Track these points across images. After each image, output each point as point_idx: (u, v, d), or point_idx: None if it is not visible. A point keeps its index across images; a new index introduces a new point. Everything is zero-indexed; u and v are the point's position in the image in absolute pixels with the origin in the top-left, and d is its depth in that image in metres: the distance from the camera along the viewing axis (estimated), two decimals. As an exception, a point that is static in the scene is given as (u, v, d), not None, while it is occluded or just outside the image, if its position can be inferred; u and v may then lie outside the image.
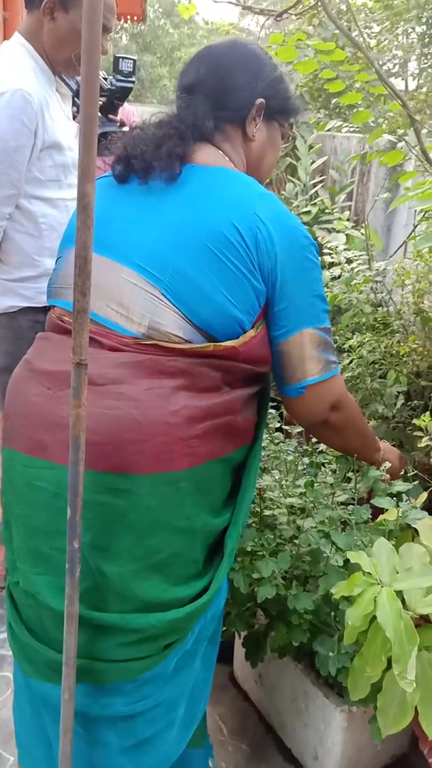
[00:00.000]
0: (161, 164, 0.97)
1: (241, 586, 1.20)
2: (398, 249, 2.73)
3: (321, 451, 1.70)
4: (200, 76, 1.06)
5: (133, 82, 1.94)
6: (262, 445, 1.61)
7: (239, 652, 1.68)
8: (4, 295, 1.76)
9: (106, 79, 1.93)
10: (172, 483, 0.92)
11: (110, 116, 1.95)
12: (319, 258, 1.03)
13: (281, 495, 1.41)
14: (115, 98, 1.93)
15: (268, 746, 1.60)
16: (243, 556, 1.27)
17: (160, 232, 0.94)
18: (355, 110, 1.78)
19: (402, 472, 1.39)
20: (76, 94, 1.91)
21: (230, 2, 1.76)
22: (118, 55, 1.94)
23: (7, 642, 1.86)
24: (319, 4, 1.44)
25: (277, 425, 1.68)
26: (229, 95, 1.05)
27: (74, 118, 1.79)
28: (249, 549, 1.27)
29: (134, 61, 1.96)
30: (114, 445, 0.89)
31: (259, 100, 1.07)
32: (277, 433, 1.64)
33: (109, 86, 1.92)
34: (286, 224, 0.98)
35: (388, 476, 1.33)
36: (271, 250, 0.95)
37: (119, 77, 1.93)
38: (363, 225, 2.64)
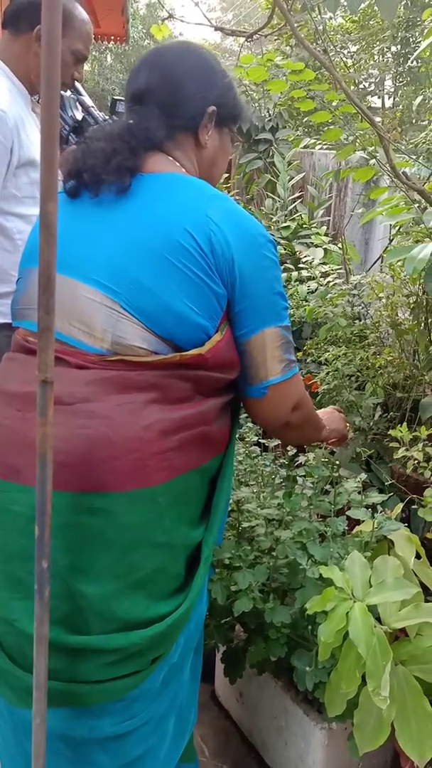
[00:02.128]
0: (111, 178, 0.96)
1: (219, 596, 1.19)
2: (375, 263, 2.76)
3: (299, 465, 1.70)
4: (151, 83, 1.04)
5: None
6: (239, 459, 1.61)
7: (220, 670, 1.66)
8: None
9: (105, 120, 1.96)
10: (150, 498, 0.91)
11: None
12: (278, 255, 1.03)
13: (259, 507, 1.40)
14: None
15: (249, 765, 1.57)
16: (221, 568, 1.26)
17: (115, 246, 0.94)
18: (326, 128, 1.80)
19: (349, 433, 1.40)
20: (74, 125, 1.94)
21: (202, 24, 1.79)
22: (115, 97, 1.97)
23: None
24: (292, 27, 1.46)
25: (255, 439, 1.67)
26: (182, 104, 1.05)
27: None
28: (227, 561, 1.26)
29: None
30: (88, 465, 0.88)
31: (212, 108, 1.06)
32: (254, 447, 1.63)
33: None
34: (239, 224, 0.97)
35: (339, 441, 1.37)
36: (227, 251, 0.94)
37: (115, 118, 1.97)
38: (340, 239, 2.68)
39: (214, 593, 1.21)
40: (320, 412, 1.33)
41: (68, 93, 2.26)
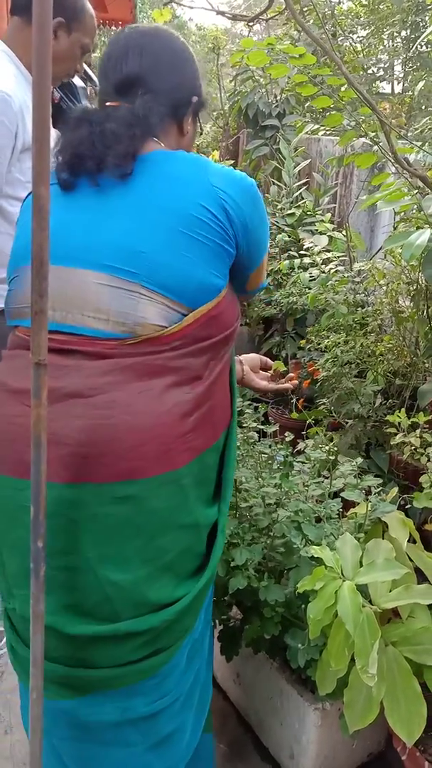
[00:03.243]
0: (114, 163, 0.96)
1: (219, 570, 1.22)
2: (378, 250, 2.75)
3: (299, 452, 1.71)
4: (145, 69, 1.04)
5: None
6: (237, 444, 1.62)
7: (218, 652, 1.69)
8: None
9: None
10: (175, 481, 0.93)
11: None
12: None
13: (257, 486, 1.42)
14: None
15: (245, 745, 1.60)
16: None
17: (124, 229, 0.94)
18: (328, 113, 1.79)
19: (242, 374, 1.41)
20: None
21: (203, 8, 1.78)
22: None
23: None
24: (291, 9, 1.45)
25: (254, 425, 1.69)
26: (173, 93, 1.06)
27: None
28: (227, 535, 1.29)
29: None
30: (114, 455, 0.88)
31: (195, 98, 1.09)
32: (251, 433, 1.64)
33: None
34: (236, 181, 1.01)
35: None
36: (240, 213, 0.98)
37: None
38: (345, 226, 2.66)
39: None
40: (243, 357, 1.40)
41: (81, 83, 2.26)
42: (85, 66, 1.89)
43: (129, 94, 1.03)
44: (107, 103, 1.04)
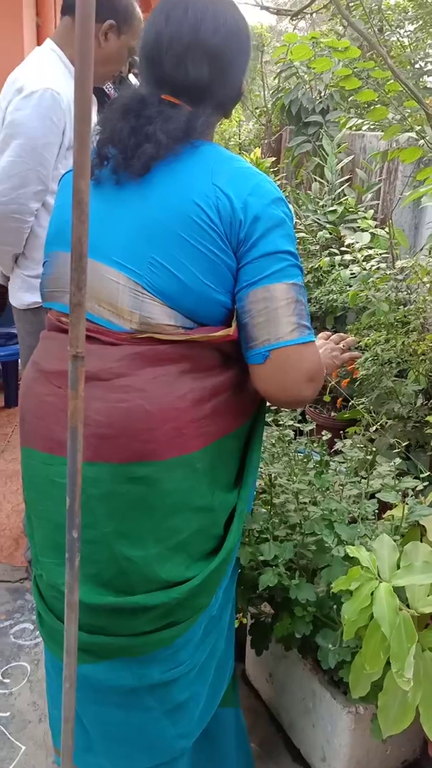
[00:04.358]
0: (143, 164, 0.93)
1: (243, 559, 1.22)
2: (423, 247, 2.68)
3: (336, 451, 1.68)
4: (214, 77, 0.95)
5: None
6: (271, 442, 1.61)
7: (251, 650, 1.68)
8: (28, 291, 1.81)
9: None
10: (188, 465, 0.95)
11: None
12: (290, 213, 0.96)
13: (290, 481, 1.41)
14: None
15: (277, 745, 1.59)
16: (250, 536, 1.29)
17: (132, 226, 0.93)
18: (372, 107, 1.76)
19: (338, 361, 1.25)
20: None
21: (247, 3, 1.77)
22: None
23: (24, 632, 1.90)
24: (337, 3, 1.43)
25: (290, 423, 1.67)
26: (233, 94, 1.02)
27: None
28: (256, 533, 1.28)
29: None
30: (129, 437, 0.92)
31: (244, 84, 1.03)
32: (287, 431, 1.63)
33: None
34: (245, 183, 0.92)
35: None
36: (234, 215, 0.90)
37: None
38: (388, 223, 2.61)
39: (241, 556, 1.23)
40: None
41: (135, 80, 2.29)
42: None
43: (191, 96, 0.97)
44: (163, 96, 0.97)
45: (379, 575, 1.01)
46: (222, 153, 0.97)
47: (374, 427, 1.67)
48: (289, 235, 0.94)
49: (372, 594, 0.96)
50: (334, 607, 1.21)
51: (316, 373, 0.96)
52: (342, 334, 1.32)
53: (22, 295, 1.82)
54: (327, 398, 1.95)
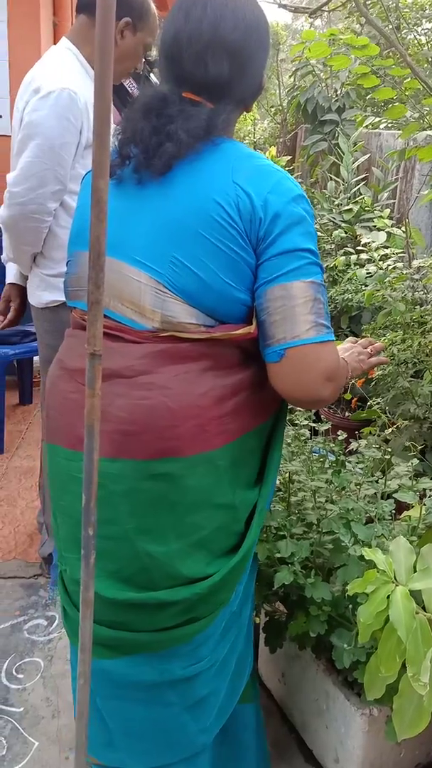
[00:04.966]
0: (165, 163, 0.93)
1: (260, 555, 1.22)
2: (440, 247, 2.66)
3: (351, 451, 1.68)
4: (234, 74, 0.95)
5: None
6: (287, 441, 1.61)
7: (264, 650, 1.68)
8: (46, 289, 1.82)
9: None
10: (210, 462, 0.96)
11: None
12: (311, 211, 0.95)
13: (308, 479, 1.41)
14: None
15: (290, 746, 1.59)
16: (268, 533, 1.28)
17: (154, 225, 0.94)
18: (390, 105, 1.75)
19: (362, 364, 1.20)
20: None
21: (265, 0, 1.76)
22: None
23: (37, 628, 1.92)
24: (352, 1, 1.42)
25: (305, 422, 1.66)
26: (253, 90, 1.02)
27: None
28: (274, 530, 1.28)
29: None
30: (151, 433, 0.93)
31: (264, 78, 1.04)
32: (303, 430, 1.62)
33: None
34: (265, 180, 0.92)
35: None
36: (254, 213, 0.90)
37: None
38: (404, 223, 2.59)
39: (258, 552, 1.24)
40: (339, 350, 1.18)
41: (155, 79, 2.30)
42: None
43: (212, 93, 0.97)
44: (183, 94, 0.97)
45: (395, 578, 1.00)
46: (242, 150, 0.97)
47: (390, 429, 1.66)
48: (309, 233, 0.93)
49: (388, 597, 0.96)
50: (350, 606, 1.21)
51: (334, 372, 0.95)
52: (371, 338, 1.31)
53: (41, 294, 1.84)
54: (348, 396, 1.94)
